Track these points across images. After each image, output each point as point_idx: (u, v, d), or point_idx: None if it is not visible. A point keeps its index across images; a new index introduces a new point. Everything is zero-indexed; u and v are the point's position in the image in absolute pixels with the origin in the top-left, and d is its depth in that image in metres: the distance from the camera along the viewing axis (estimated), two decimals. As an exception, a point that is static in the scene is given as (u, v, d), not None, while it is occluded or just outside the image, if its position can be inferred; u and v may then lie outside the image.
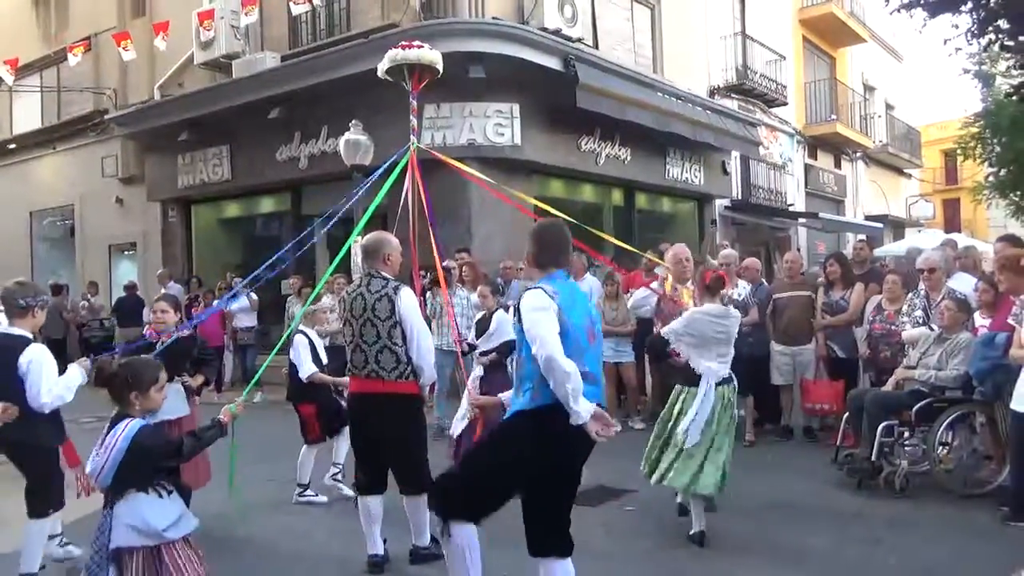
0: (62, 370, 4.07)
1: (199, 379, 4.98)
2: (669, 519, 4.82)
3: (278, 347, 5.25)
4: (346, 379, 5.36)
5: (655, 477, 4.50)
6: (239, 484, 3.64)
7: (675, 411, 4.49)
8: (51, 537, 4.27)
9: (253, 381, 4.31)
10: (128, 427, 2.85)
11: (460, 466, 3.30)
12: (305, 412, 5.60)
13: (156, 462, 2.92)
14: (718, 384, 4.39)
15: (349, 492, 5.58)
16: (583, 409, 2.87)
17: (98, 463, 2.82)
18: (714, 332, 4.40)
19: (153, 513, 2.86)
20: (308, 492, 5.59)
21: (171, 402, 4.73)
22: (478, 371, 5.56)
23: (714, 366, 4.39)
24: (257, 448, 6.76)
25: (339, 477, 5.72)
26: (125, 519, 2.83)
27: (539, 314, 2.98)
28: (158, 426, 3.20)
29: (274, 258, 6.34)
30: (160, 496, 2.92)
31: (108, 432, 2.88)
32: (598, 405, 2.95)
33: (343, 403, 5.72)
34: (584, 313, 3.14)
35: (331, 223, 5.97)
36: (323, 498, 5.58)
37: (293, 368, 5.64)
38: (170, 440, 3.08)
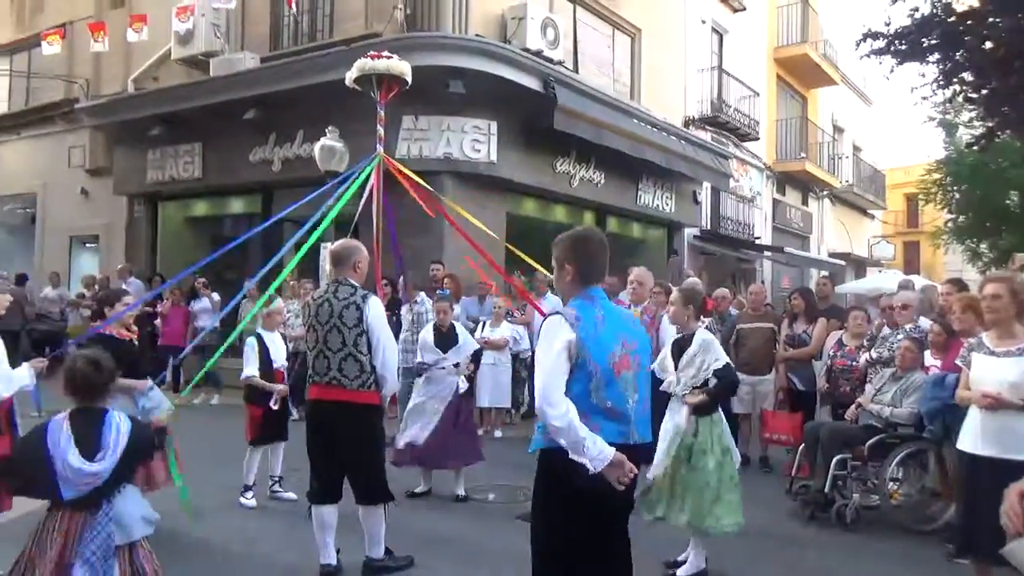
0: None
1: None
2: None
3: (222, 349, 5.16)
4: (280, 386, 5.43)
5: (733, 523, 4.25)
6: (187, 487, 3.55)
7: (708, 446, 4.25)
8: None
9: (192, 383, 4.22)
10: (124, 420, 2.80)
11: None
12: (251, 413, 5.57)
13: (144, 456, 2.91)
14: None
15: (291, 496, 5.57)
16: (592, 457, 2.52)
17: (109, 464, 2.69)
18: None
19: (146, 502, 2.87)
20: (247, 494, 5.56)
21: (159, 398, 4.67)
22: (464, 384, 5.73)
23: None
24: (212, 451, 6.64)
25: (276, 488, 5.73)
26: (137, 511, 2.79)
27: (543, 351, 2.65)
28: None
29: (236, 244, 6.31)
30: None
31: (78, 428, 2.73)
32: (623, 446, 2.60)
33: (294, 414, 5.73)
34: (616, 341, 2.71)
35: (300, 232, 5.90)
36: (253, 502, 5.55)
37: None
38: (151, 432, 3.06)
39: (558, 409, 2.56)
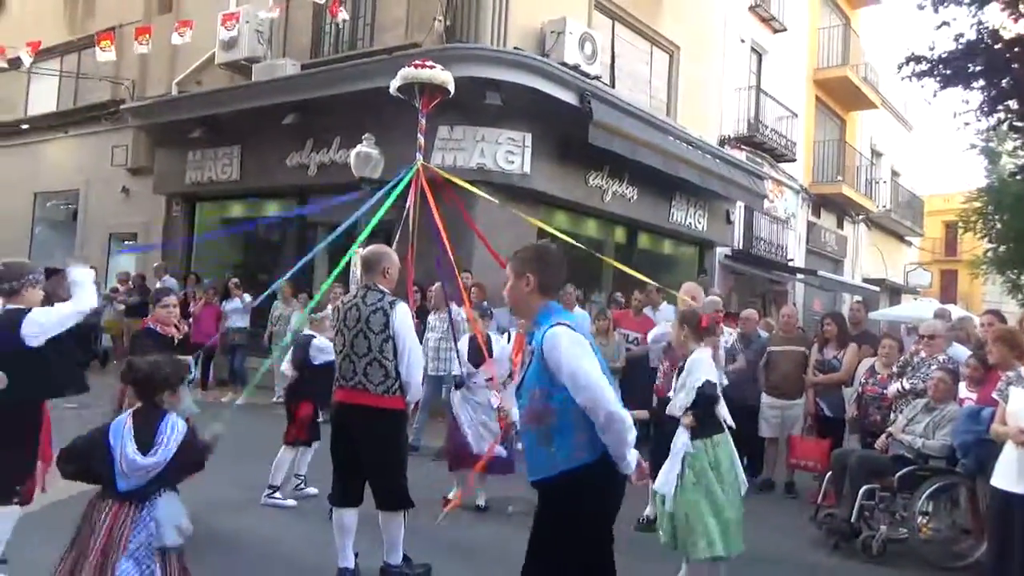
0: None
1: None
2: (639, 554, 4.78)
3: (284, 354, 5.08)
4: None
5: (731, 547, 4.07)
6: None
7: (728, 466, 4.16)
8: None
9: (247, 389, 4.19)
10: (180, 424, 2.89)
11: None
12: (300, 412, 5.60)
13: (191, 464, 2.93)
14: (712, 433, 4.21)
15: (313, 490, 5.63)
16: (631, 460, 2.65)
17: (160, 459, 2.78)
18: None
19: (185, 514, 2.90)
20: (277, 495, 5.60)
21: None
22: (495, 399, 5.56)
23: (726, 410, 4.32)
24: (232, 449, 6.70)
25: (301, 486, 5.78)
26: (173, 520, 2.83)
27: (584, 360, 2.62)
28: None
29: (290, 273, 6.34)
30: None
31: (138, 424, 2.83)
32: None
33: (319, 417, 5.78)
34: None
35: (336, 233, 5.92)
36: (291, 502, 5.61)
37: (304, 369, 5.67)
38: (205, 444, 3.03)
39: (624, 412, 2.59)
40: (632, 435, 2.62)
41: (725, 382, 5.00)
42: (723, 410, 4.26)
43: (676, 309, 8.59)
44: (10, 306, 3.84)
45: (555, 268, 2.90)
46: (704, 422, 4.13)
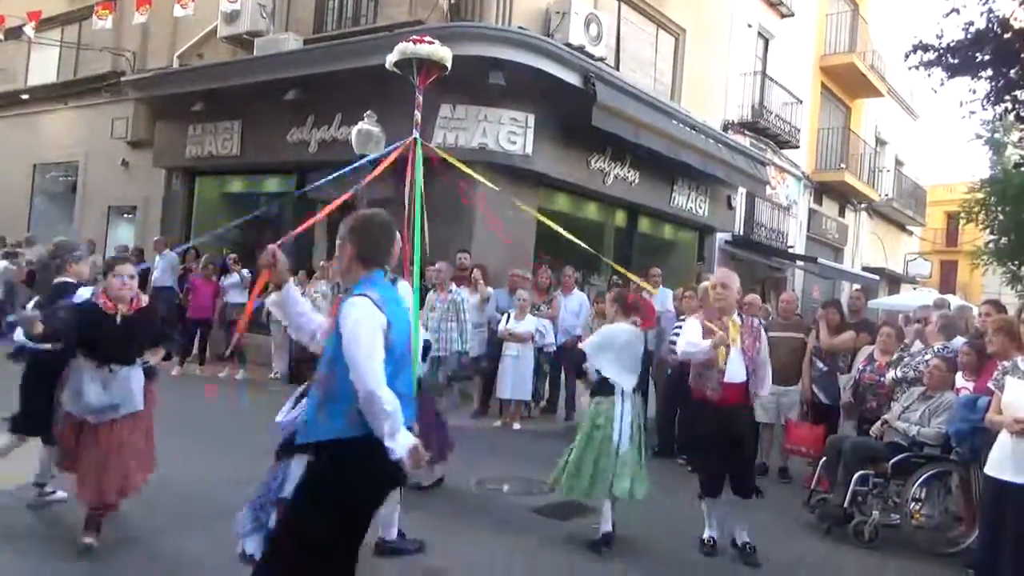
0: None
1: (160, 353, 4.54)
2: (636, 539, 4.81)
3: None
4: None
5: (614, 491, 4.67)
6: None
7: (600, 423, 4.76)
8: (36, 485, 4.59)
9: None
10: None
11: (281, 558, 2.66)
12: None
13: None
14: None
15: None
16: (401, 444, 2.54)
17: (287, 420, 2.99)
18: (628, 348, 4.85)
19: None
20: None
21: (136, 391, 4.27)
22: None
23: (627, 378, 4.81)
24: (237, 424, 6.74)
25: None
26: (295, 477, 2.85)
27: (365, 335, 2.58)
28: None
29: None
30: None
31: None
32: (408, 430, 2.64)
33: None
34: (406, 322, 2.82)
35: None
36: None
37: None
38: None
39: (389, 393, 2.54)
40: (393, 424, 2.53)
41: (768, 369, 5.18)
42: (623, 379, 4.78)
43: (672, 294, 8.64)
44: (60, 279, 4.59)
45: (375, 239, 2.83)
46: (599, 384, 4.84)
